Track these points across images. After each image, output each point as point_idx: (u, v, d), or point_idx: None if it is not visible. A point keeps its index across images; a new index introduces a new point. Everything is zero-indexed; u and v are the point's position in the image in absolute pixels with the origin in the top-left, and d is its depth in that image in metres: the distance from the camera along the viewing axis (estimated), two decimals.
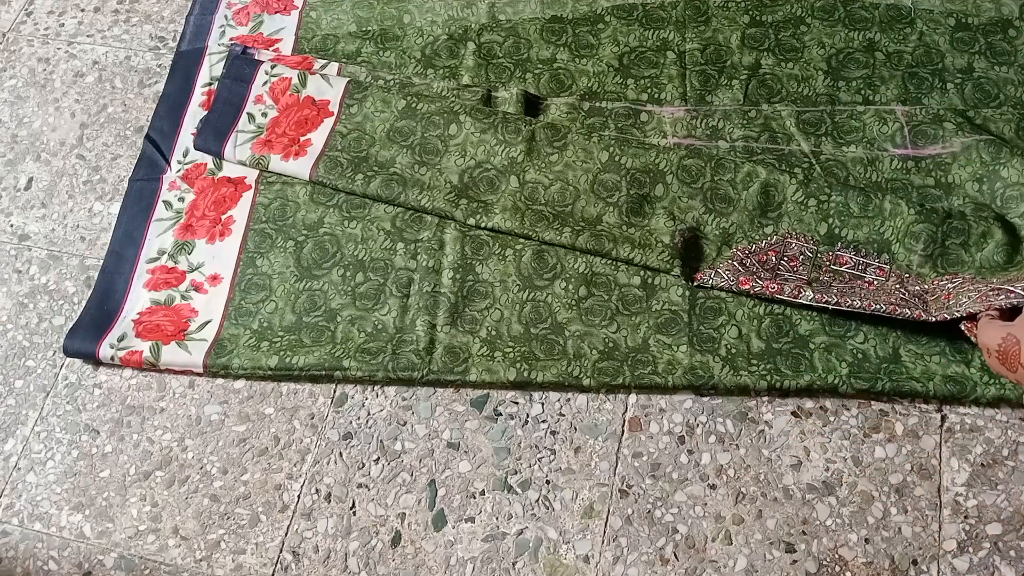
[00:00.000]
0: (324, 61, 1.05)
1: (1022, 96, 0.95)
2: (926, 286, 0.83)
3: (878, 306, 0.80)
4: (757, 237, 0.87)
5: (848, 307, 0.80)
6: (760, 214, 0.88)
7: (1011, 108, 0.94)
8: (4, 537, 0.84)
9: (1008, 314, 0.75)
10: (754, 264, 0.85)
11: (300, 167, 0.96)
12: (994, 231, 0.84)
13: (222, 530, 0.83)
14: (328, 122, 0.99)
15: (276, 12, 1.12)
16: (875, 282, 0.84)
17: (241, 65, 1.04)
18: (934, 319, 0.79)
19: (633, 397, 0.85)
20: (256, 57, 1.05)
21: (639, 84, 1.00)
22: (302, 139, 0.98)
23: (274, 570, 0.81)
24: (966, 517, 0.78)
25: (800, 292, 0.82)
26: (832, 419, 0.83)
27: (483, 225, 0.90)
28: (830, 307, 0.81)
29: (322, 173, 0.95)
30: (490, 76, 1.03)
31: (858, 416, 0.83)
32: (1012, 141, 0.91)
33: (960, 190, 0.89)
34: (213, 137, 1.00)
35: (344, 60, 1.05)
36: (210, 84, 1.06)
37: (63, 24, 1.16)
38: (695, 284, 0.87)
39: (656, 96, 0.99)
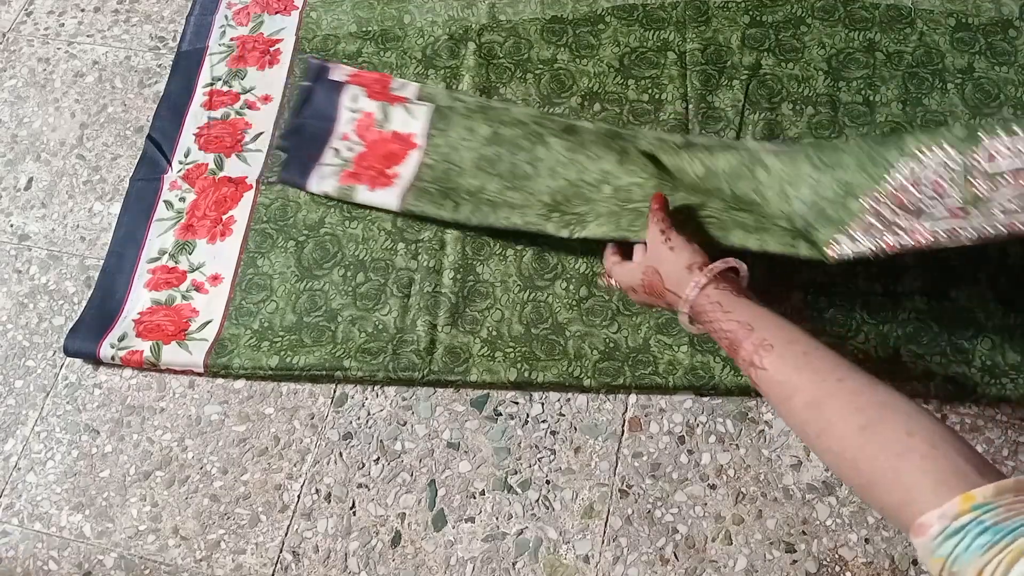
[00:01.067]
0: (402, 81, 1.02)
1: (1022, 96, 0.95)
2: None
3: None
4: (881, 172, 0.69)
5: (1020, 234, 0.62)
6: (878, 146, 0.71)
7: (1011, 108, 0.94)
8: (4, 537, 0.84)
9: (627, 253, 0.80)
10: (894, 211, 0.66)
11: (389, 197, 0.93)
12: None
13: (222, 530, 0.83)
14: (414, 154, 0.96)
15: (276, 12, 1.12)
16: None
17: (323, 99, 1.01)
18: None
19: (633, 397, 0.85)
20: (331, 76, 1.02)
21: (640, 85, 1.00)
22: (388, 171, 0.95)
23: (274, 570, 0.81)
24: None
25: (959, 233, 0.63)
26: None
27: (576, 236, 0.84)
28: (1000, 240, 0.63)
29: (411, 201, 0.92)
30: (491, 76, 1.03)
31: None
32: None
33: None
34: (299, 171, 0.97)
35: (415, 78, 1.03)
36: (211, 84, 1.06)
37: (63, 24, 1.16)
38: (833, 261, 0.71)
39: (657, 96, 0.99)
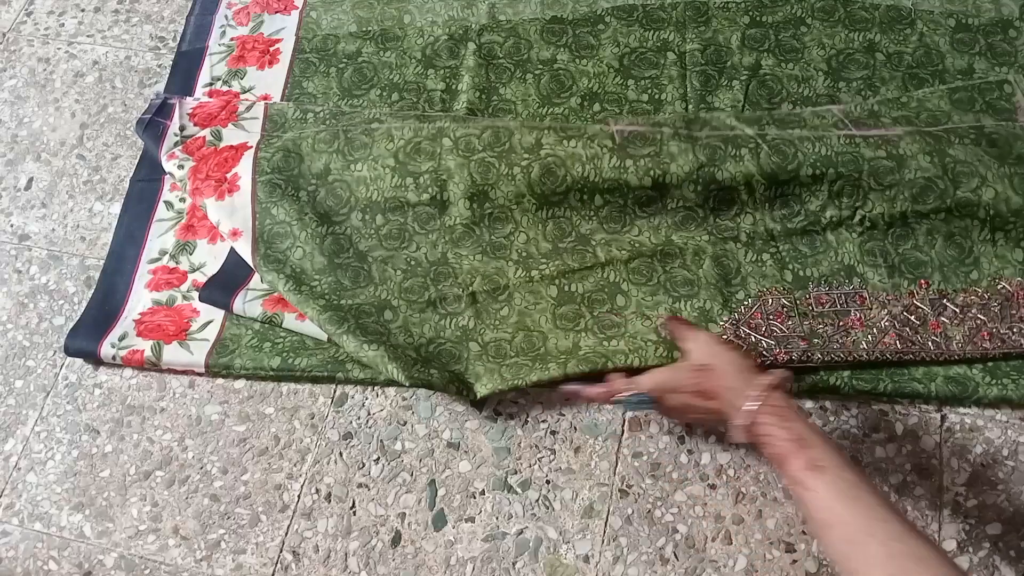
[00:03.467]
0: (249, 102, 1.02)
1: (966, 65, 0.97)
2: (905, 300, 0.84)
3: (885, 356, 0.81)
4: (734, 305, 0.85)
5: (856, 361, 0.81)
6: (725, 285, 0.87)
7: (955, 83, 0.96)
8: (4, 537, 0.84)
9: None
10: (746, 331, 0.84)
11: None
12: (937, 226, 0.87)
13: (222, 530, 0.83)
14: (248, 153, 0.96)
15: (276, 12, 1.12)
16: (862, 317, 0.84)
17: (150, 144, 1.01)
18: (935, 357, 0.81)
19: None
20: (175, 110, 1.02)
21: (639, 85, 1.01)
22: (228, 175, 0.95)
23: (274, 570, 0.81)
24: (966, 517, 0.78)
25: (809, 356, 0.81)
26: (832, 419, 0.83)
27: (465, 396, 0.84)
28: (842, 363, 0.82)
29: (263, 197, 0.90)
30: (490, 76, 1.03)
31: (858, 416, 0.83)
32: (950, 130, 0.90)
33: (913, 161, 0.87)
34: (222, 292, 0.92)
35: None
36: (211, 84, 1.06)
37: (63, 24, 1.16)
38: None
39: (657, 97, 0.99)
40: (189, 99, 1.04)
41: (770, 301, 0.85)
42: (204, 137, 1.00)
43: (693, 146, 0.89)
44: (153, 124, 1.01)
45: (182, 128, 1.01)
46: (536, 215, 0.90)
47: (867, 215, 0.87)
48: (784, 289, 0.86)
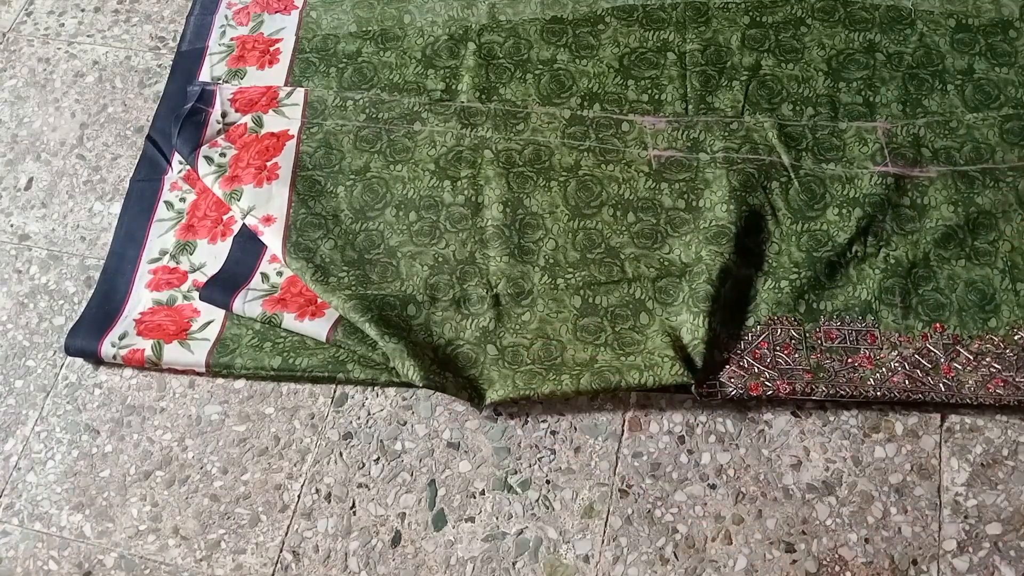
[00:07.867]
0: (288, 89, 1.03)
1: (1022, 97, 0.95)
2: (917, 343, 0.83)
3: (892, 394, 0.80)
4: (742, 332, 0.85)
5: (862, 397, 0.80)
6: (739, 310, 0.86)
7: (1004, 110, 0.94)
8: (4, 537, 0.84)
9: None
10: (750, 361, 0.83)
11: (317, 328, 0.87)
12: (958, 272, 0.86)
13: (222, 530, 0.83)
14: (290, 144, 0.99)
15: (276, 12, 1.12)
16: (871, 355, 0.83)
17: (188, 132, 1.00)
18: (945, 399, 0.80)
19: (633, 397, 0.85)
20: (216, 96, 1.03)
21: (639, 85, 1.01)
22: (268, 164, 0.97)
23: (274, 570, 0.81)
24: (966, 517, 0.78)
25: (813, 389, 0.80)
26: (832, 419, 0.83)
27: (476, 403, 0.84)
28: (845, 399, 0.81)
29: (340, 338, 0.87)
30: (490, 76, 1.03)
31: (858, 416, 0.83)
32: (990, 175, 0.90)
33: (936, 212, 0.88)
34: (222, 291, 0.92)
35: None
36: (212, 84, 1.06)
37: (63, 24, 1.16)
38: (704, 397, 0.82)
39: (657, 97, 0.99)
40: (227, 85, 1.05)
41: (779, 331, 0.84)
42: (246, 124, 1.01)
43: (727, 171, 0.91)
44: (194, 112, 1.01)
45: (224, 115, 1.02)
46: (568, 224, 0.92)
47: (890, 253, 0.87)
48: (795, 320, 0.85)
